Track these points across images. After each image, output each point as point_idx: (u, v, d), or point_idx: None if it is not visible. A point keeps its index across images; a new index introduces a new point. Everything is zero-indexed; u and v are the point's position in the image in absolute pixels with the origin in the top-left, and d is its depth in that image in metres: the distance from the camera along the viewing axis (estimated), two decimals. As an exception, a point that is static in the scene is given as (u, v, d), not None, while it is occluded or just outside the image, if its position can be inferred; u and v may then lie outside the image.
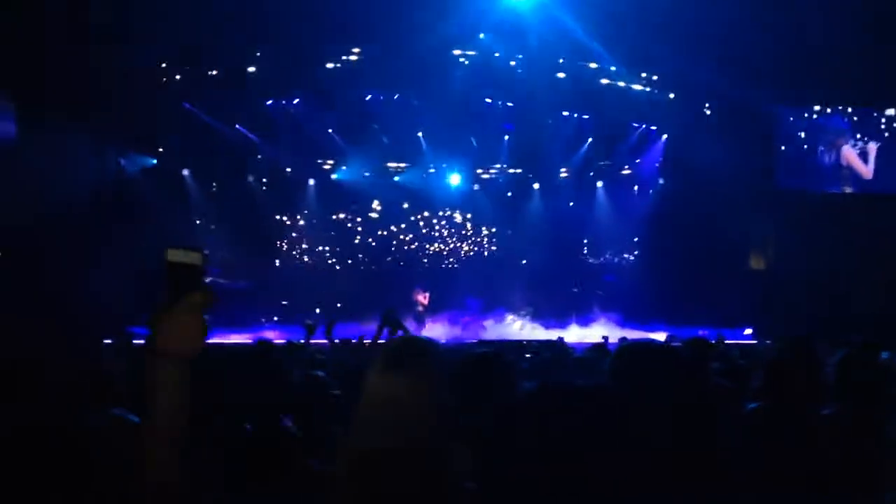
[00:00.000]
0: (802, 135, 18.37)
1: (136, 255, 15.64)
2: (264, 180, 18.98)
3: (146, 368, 1.56)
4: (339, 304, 17.31)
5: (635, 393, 1.94)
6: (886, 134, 18.28)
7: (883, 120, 18.27)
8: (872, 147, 18.23)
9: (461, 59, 17.22)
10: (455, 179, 19.16)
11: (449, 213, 19.97)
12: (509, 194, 20.02)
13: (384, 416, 2.12)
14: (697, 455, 1.92)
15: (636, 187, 20.15)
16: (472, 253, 19.95)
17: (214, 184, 18.65)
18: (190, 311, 1.56)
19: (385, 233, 19.75)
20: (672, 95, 18.21)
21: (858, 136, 18.33)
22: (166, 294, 1.57)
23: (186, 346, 1.56)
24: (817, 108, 18.26)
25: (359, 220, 19.68)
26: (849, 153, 18.30)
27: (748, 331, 16.21)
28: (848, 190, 18.34)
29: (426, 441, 2.09)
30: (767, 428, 2.95)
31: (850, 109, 18.25)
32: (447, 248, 19.93)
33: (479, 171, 19.61)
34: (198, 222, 18.71)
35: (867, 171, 18.28)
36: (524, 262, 19.56)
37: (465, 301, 17.77)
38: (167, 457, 1.52)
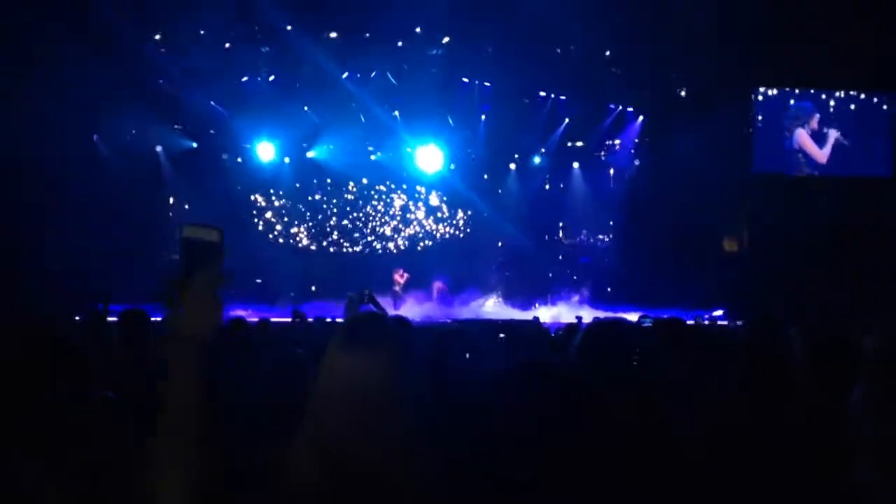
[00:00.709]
0: (775, 118, 18.43)
1: (106, 232, 15.57)
2: (239, 159, 18.84)
3: (160, 349, 1.55)
4: (313, 287, 17.32)
5: (601, 369, 1.97)
6: (850, 118, 18.39)
7: (852, 106, 18.41)
8: (832, 132, 18.32)
9: (443, 40, 17.18)
10: (432, 158, 19.06)
11: (425, 193, 19.93)
12: (485, 175, 20.00)
13: (341, 395, 2.09)
14: (659, 433, 1.94)
15: (612, 169, 20.20)
16: (447, 233, 19.93)
17: (189, 162, 18.50)
18: (207, 290, 1.54)
19: (360, 214, 19.69)
20: (649, 77, 18.23)
21: (821, 118, 18.38)
22: (181, 271, 1.55)
23: (203, 326, 1.54)
24: (790, 90, 18.33)
25: (334, 200, 19.59)
26: (802, 137, 18.35)
27: (718, 312, 16.35)
28: (808, 173, 18.40)
29: (386, 423, 2.07)
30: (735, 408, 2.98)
31: (817, 92, 18.31)
32: (423, 229, 19.90)
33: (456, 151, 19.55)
34: (171, 201, 18.60)
35: (821, 154, 18.35)
36: (500, 243, 19.61)
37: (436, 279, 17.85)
38: (182, 439, 1.51)
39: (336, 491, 1.99)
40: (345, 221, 19.56)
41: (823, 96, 18.37)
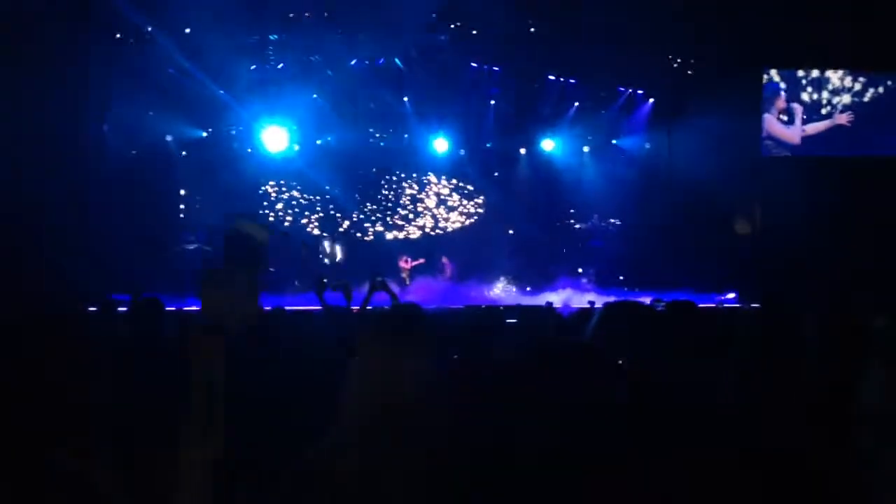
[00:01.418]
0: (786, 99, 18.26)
1: (117, 222, 15.61)
2: (249, 150, 18.85)
3: (189, 340, 1.54)
4: (324, 276, 17.31)
5: (617, 351, 1.98)
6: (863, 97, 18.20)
7: (865, 85, 18.23)
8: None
9: (450, 25, 17.12)
10: (441, 145, 19.07)
11: (435, 178, 19.93)
12: (495, 161, 19.99)
13: (378, 388, 2.12)
14: (673, 412, 1.95)
15: (622, 152, 20.14)
16: (457, 219, 19.93)
17: (199, 151, 18.53)
18: (247, 288, 1.53)
19: (369, 201, 19.70)
20: (659, 59, 18.13)
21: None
22: (224, 263, 1.54)
23: (236, 321, 1.54)
24: (799, 70, 18.17)
25: (343, 187, 19.60)
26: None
27: (731, 295, 16.32)
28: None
29: (421, 414, 2.07)
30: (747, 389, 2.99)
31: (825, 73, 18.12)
32: (433, 215, 19.90)
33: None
34: (182, 192, 18.63)
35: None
36: (511, 229, 19.59)
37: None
38: (206, 422, 1.51)
39: (369, 480, 2.00)
40: (353, 212, 19.58)
41: (835, 77, 18.19)
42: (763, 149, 18.03)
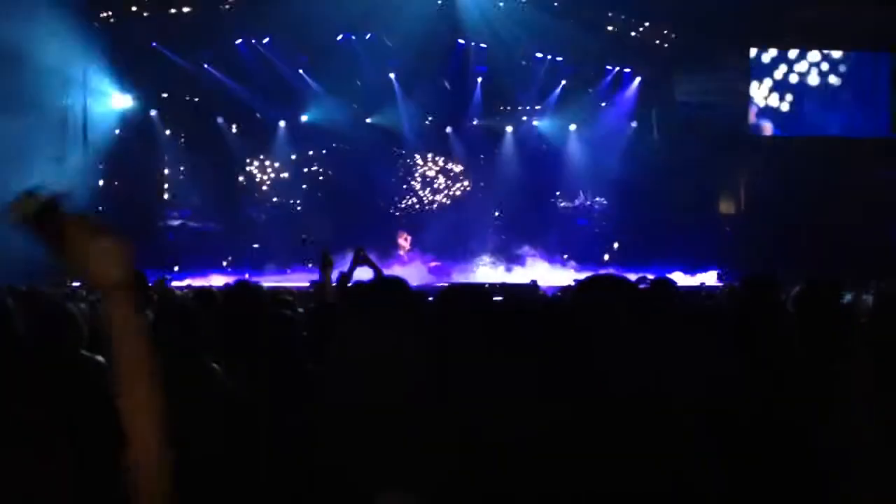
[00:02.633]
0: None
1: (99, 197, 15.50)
2: (234, 128, 18.70)
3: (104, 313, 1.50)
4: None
5: (593, 317, 1.98)
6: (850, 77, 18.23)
7: (852, 65, 18.25)
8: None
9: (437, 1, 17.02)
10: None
11: (421, 155, 19.86)
12: (482, 138, 19.92)
13: (359, 357, 2.08)
14: (645, 385, 1.95)
15: (608, 131, 20.09)
16: (443, 197, 19.88)
17: (183, 127, 18.39)
18: (86, 239, 1.48)
19: (356, 177, 19.60)
20: (646, 37, 18.09)
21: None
22: (49, 249, 1.48)
23: (111, 271, 1.48)
24: (787, 49, 18.16)
25: (330, 162, 19.50)
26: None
27: (713, 273, 16.39)
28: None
29: (407, 389, 2.05)
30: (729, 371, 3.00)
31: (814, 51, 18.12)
32: (419, 192, 19.84)
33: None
34: (166, 171, 18.50)
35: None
36: (497, 208, 19.55)
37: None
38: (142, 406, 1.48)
39: (353, 453, 1.99)
40: (341, 182, 19.46)
41: (821, 55, 18.19)
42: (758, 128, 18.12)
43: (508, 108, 19.87)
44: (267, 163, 19.24)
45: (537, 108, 19.74)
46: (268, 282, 11.42)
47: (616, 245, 18.19)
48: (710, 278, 15.39)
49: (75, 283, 9.18)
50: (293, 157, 19.19)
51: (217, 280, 12.87)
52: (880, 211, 16.33)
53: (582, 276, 14.47)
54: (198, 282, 13.73)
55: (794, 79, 18.22)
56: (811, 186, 16.82)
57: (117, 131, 17.10)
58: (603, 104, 19.75)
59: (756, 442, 2.44)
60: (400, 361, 2.05)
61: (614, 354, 1.95)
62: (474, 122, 19.76)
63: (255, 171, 19.22)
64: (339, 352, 2.14)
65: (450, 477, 1.92)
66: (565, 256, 17.84)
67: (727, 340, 2.75)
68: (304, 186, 19.38)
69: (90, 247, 1.46)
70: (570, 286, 9.27)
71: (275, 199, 19.21)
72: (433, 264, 17.31)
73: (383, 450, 1.98)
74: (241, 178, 18.98)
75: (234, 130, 18.69)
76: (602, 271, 15.05)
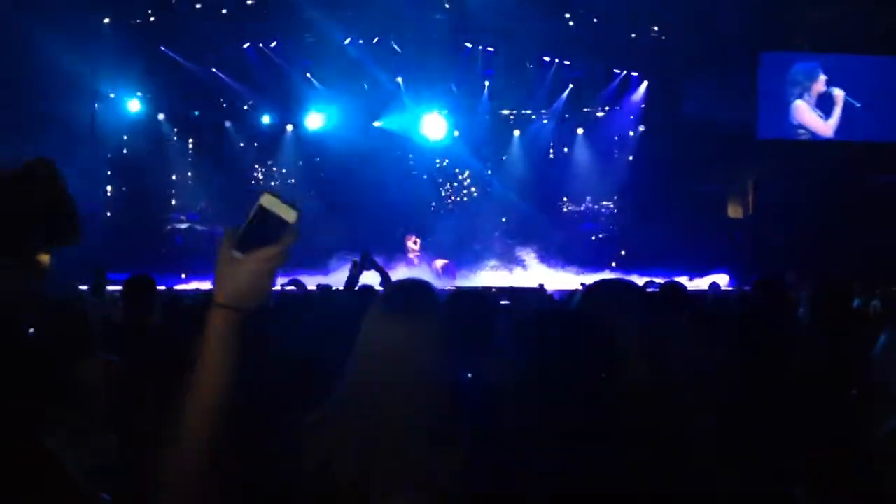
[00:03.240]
0: (778, 83, 18.15)
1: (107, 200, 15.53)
2: (242, 131, 18.71)
3: (204, 319, 1.49)
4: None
5: (600, 324, 1.97)
6: (861, 81, 18.06)
7: (863, 69, 18.13)
8: (838, 93, 17.94)
9: (445, 4, 17.03)
10: (434, 127, 18.91)
11: (429, 159, 19.85)
12: (489, 142, 19.91)
13: (384, 367, 2.07)
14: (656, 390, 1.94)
15: (616, 135, 20.08)
16: (450, 201, 19.87)
17: (191, 131, 18.43)
18: (265, 263, 1.48)
19: (363, 182, 19.59)
20: (654, 41, 18.07)
21: (827, 79, 17.97)
22: (244, 238, 1.47)
23: (251, 297, 1.48)
24: (797, 53, 18.07)
25: (337, 166, 19.50)
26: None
27: (725, 277, 16.32)
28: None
29: (430, 393, 2.03)
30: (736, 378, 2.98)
31: (825, 55, 17.98)
32: (426, 195, 19.82)
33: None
34: (173, 177, 18.52)
35: (826, 126, 17.97)
36: (503, 212, 19.49)
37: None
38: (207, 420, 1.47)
39: (360, 459, 1.97)
40: (349, 186, 19.46)
41: (832, 60, 18.09)
42: (796, 136, 17.94)
43: (516, 111, 19.85)
44: (274, 167, 19.26)
45: (544, 111, 19.73)
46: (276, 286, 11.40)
47: (623, 252, 18.11)
48: (716, 280, 15.37)
49: (82, 286, 9.21)
50: (300, 161, 19.21)
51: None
52: (889, 216, 16.25)
53: (589, 279, 14.49)
54: (206, 285, 13.73)
55: (795, 84, 18.11)
56: (820, 191, 16.76)
57: (125, 136, 17.15)
58: (611, 108, 19.74)
59: (771, 444, 2.42)
60: (423, 363, 2.04)
61: (626, 355, 1.94)
62: (481, 126, 19.75)
63: (263, 176, 19.24)
64: (359, 351, 2.12)
65: (463, 478, 1.91)
66: (578, 265, 17.75)
67: (740, 342, 2.74)
68: (311, 192, 19.34)
69: (266, 270, 1.45)
70: (577, 290, 9.23)
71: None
72: (442, 263, 17.26)
73: (399, 450, 1.97)
74: (249, 182, 18.99)
75: (241, 134, 18.70)
76: (607, 275, 15.08)
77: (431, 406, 2.03)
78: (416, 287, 2.30)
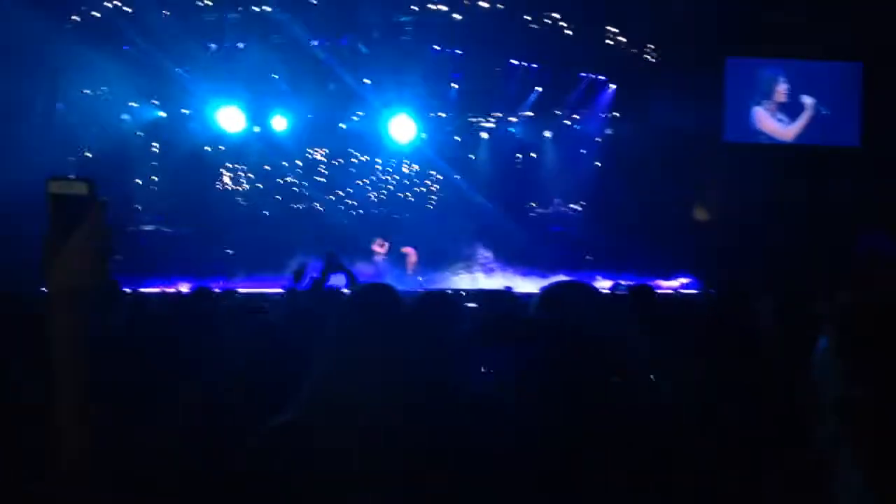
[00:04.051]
0: (744, 88, 18.36)
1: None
2: (206, 128, 18.54)
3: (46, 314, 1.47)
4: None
5: (558, 325, 1.97)
6: (823, 87, 18.32)
7: (825, 74, 18.39)
8: (808, 100, 18.22)
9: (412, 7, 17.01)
10: (402, 129, 18.88)
11: (395, 162, 19.84)
12: (457, 144, 19.95)
13: (349, 369, 2.07)
14: (615, 392, 1.95)
15: (583, 138, 20.21)
16: (418, 203, 19.87)
17: (156, 131, 18.26)
18: (85, 245, 1.47)
19: (330, 183, 19.55)
20: (621, 45, 18.18)
21: (790, 87, 18.24)
22: (52, 228, 1.48)
23: (83, 282, 1.48)
24: (761, 58, 18.28)
25: (304, 169, 19.43)
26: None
27: (686, 280, 16.49)
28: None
29: (394, 394, 2.04)
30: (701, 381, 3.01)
31: (788, 60, 18.22)
32: (393, 199, 19.82)
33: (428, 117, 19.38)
34: (138, 179, 18.32)
35: (786, 132, 18.23)
36: (472, 214, 19.51)
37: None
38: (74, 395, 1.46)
39: (328, 458, 1.97)
40: (315, 187, 19.40)
41: (795, 65, 18.33)
42: (758, 140, 18.15)
43: (483, 114, 19.89)
44: (241, 169, 19.13)
45: (512, 115, 19.78)
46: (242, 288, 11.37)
47: (590, 255, 18.18)
48: (679, 284, 15.52)
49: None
50: (266, 165, 19.11)
51: (185, 287, 12.78)
52: (848, 221, 16.48)
53: (554, 280, 14.60)
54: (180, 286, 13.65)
55: (758, 90, 18.32)
56: (784, 195, 16.97)
57: (89, 136, 16.94)
58: (577, 111, 19.85)
59: (735, 447, 2.44)
60: (386, 365, 2.04)
61: (584, 358, 1.95)
62: (449, 129, 19.78)
63: (229, 178, 19.10)
64: (327, 356, 2.12)
65: (432, 479, 1.91)
66: (538, 264, 17.82)
67: (704, 344, 2.76)
68: (277, 196, 19.25)
69: (91, 254, 1.46)
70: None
71: (246, 205, 19.09)
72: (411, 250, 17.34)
73: (366, 452, 1.97)
74: (214, 184, 18.86)
75: (207, 136, 18.51)
76: (563, 278, 15.14)
77: (396, 407, 2.03)
78: (379, 290, 2.31)
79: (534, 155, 20.14)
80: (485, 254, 18.29)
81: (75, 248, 1.47)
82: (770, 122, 18.18)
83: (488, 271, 17.85)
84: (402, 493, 1.95)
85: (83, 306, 1.47)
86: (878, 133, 17.47)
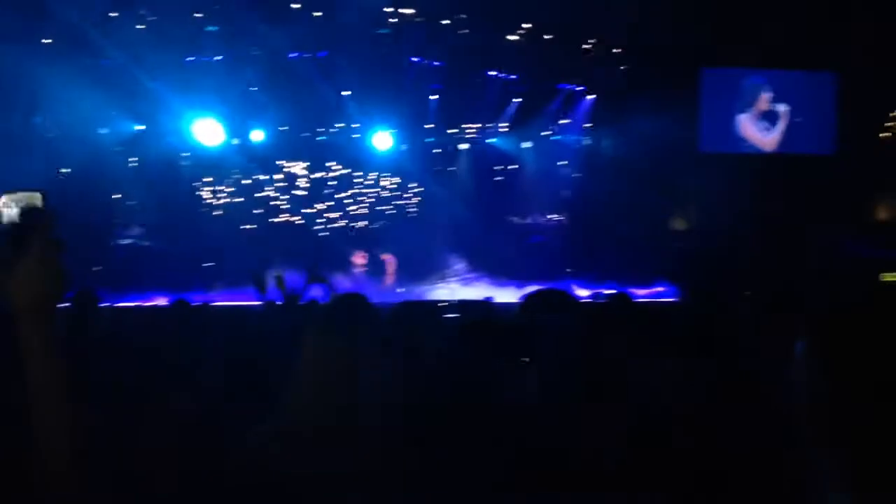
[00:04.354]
0: (723, 97, 18.53)
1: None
2: (184, 141, 18.46)
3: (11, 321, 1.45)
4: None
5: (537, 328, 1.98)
6: (798, 96, 18.53)
7: (800, 83, 18.59)
8: (782, 109, 18.41)
9: (390, 19, 17.04)
10: (383, 142, 18.90)
11: (375, 174, 19.83)
12: (437, 150, 19.97)
13: (325, 380, 2.06)
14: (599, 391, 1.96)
15: (562, 148, 20.29)
16: (398, 215, 19.84)
17: (132, 144, 18.13)
18: (41, 257, 1.45)
19: (310, 195, 19.50)
20: (599, 56, 18.30)
21: (772, 94, 18.43)
22: (6, 245, 1.46)
23: (43, 295, 1.45)
24: (738, 68, 18.45)
25: (283, 181, 19.38)
26: (744, 125, 18.38)
27: (660, 288, 16.57)
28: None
29: (370, 404, 2.04)
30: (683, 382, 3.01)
31: (765, 70, 18.42)
32: (373, 211, 19.80)
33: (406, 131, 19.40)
34: (116, 192, 18.19)
35: (768, 142, 18.43)
36: (451, 225, 19.50)
37: None
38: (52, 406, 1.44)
39: (306, 470, 1.96)
40: (294, 200, 19.34)
41: (769, 74, 18.52)
42: (742, 149, 18.31)
43: (462, 125, 19.92)
44: (219, 182, 19.05)
45: (490, 125, 19.83)
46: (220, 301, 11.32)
47: (569, 265, 18.23)
48: (659, 293, 15.59)
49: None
50: (244, 178, 19.04)
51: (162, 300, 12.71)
52: (823, 227, 16.63)
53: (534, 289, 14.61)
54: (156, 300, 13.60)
55: (741, 99, 18.50)
56: (760, 203, 17.11)
57: (68, 151, 16.81)
58: (556, 122, 19.92)
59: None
60: (358, 376, 2.04)
61: (564, 364, 1.96)
62: (428, 140, 19.80)
63: (207, 191, 19.01)
64: (300, 367, 2.12)
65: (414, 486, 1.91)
66: (517, 274, 17.85)
67: (682, 350, 2.77)
68: (256, 210, 19.16)
69: (48, 266, 1.44)
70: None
71: (226, 219, 18.99)
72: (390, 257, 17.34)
73: (343, 462, 1.96)
74: (194, 196, 18.76)
75: (185, 148, 18.43)
76: (542, 287, 15.16)
77: (372, 416, 2.03)
78: (353, 301, 2.31)
79: (513, 164, 20.18)
80: (459, 265, 18.31)
81: (35, 261, 1.44)
82: (753, 131, 18.35)
83: (465, 282, 17.86)
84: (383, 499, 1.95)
85: (50, 317, 1.45)
86: (851, 141, 17.71)
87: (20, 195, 1.46)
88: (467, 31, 17.00)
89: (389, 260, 17.56)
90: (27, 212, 1.47)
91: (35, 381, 1.42)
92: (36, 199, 1.47)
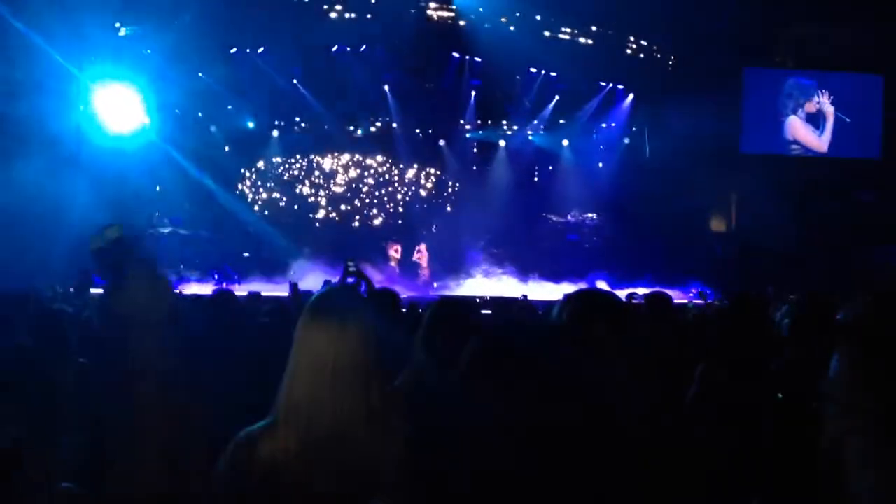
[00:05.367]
0: (767, 98, 18.31)
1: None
2: (227, 137, 18.68)
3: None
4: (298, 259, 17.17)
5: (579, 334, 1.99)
6: (845, 99, 18.26)
7: (847, 86, 18.31)
8: (829, 109, 18.14)
9: (431, 14, 17.09)
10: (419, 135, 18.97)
11: (414, 167, 19.88)
12: (474, 151, 19.98)
13: (309, 366, 2.09)
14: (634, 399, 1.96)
15: (601, 147, 20.19)
16: (435, 209, 19.87)
17: (176, 135, 18.32)
18: (142, 277, 1.57)
19: (345, 190, 19.61)
20: (640, 55, 18.19)
21: (821, 96, 18.18)
22: (112, 279, 1.61)
23: (152, 306, 1.58)
24: (783, 69, 18.24)
25: (322, 175, 19.52)
26: (795, 126, 18.14)
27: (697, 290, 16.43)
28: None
29: (353, 393, 2.08)
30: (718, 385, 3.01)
31: (810, 72, 18.18)
32: (411, 204, 19.85)
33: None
34: (157, 180, 18.39)
35: (820, 143, 18.19)
36: (488, 221, 19.47)
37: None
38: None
39: (303, 464, 1.99)
40: (333, 193, 19.47)
41: (817, 76, 18.27)
42: (789, 152, 18.13)
43: (502, 121, 19.90)
44: (259, 173, 19.23)
45: (530, 122, 19.78)
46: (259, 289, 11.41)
47: (606, 264, 18.13)
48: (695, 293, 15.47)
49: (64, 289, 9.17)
50: (283, 168, 19.21)
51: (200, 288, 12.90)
52: (869, 232, 16.40)
53: (570, 289, 14.53)
54: (192, 289, 13.78)
55: (790, 98, 18.27)
56: (801, 206, 16.91)
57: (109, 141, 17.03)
58: (596, 120, 19.82)
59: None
60: (352, 368, 2.06)
61: (601, 367, 1.96)
62: (467, 136, 19.80)
63: (248, 181, 19.21)
64: (295, 361, 2.13)
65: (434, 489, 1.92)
66: (554, 272, 17.79)
67: (722, 351, 2.77)
68: (294, 206, 19.31)
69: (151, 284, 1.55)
70: (558, 300, 9.21)
71: (266, 213, 19.18)
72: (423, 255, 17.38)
73: (334, 454, 2.00)
74: (235, 187, 18.95)
75: (226, 138, 18.64)
76: (585, 286, 15.09)
77: (361, 409, 2.06)
78: (342, 294, 2.32)
79: (551, 162, 20.11)
80: (492, 260, 18.27)
81: (138, 282, 1.56)
82: (804, 133, 18.13)
83: (496, 277, 17.79)
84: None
85: (158, 324, 1.56)
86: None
87: (106, 232, 1.63)
88: (508, 27, 16.99)
89: (422, 254, 17.54)
90: (115, 242, 1.63)
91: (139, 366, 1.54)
92: (113, 232, 1.62)
